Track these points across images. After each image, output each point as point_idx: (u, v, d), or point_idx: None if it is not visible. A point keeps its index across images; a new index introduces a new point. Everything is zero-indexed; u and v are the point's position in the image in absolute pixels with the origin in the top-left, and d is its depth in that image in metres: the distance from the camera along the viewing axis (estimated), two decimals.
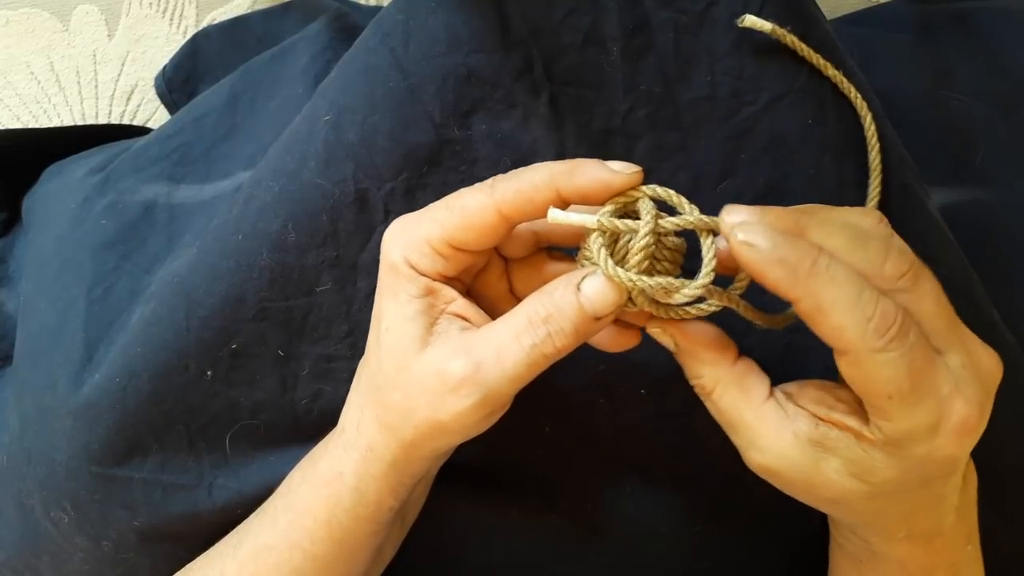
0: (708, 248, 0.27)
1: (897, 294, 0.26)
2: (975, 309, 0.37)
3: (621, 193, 0.28)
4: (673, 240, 0.29)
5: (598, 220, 0.27)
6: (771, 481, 0.29)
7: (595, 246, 0.27)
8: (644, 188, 0.28)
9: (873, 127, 0.37)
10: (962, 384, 0.26)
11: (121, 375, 0.39)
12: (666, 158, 0.38)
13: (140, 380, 0.39)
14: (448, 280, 0.31)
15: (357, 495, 0.32)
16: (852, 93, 0.37)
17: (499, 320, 0.29)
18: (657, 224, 0.27)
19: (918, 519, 0.29)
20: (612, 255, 0.27)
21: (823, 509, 0.30)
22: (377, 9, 0.45)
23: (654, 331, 0.29)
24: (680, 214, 0.28)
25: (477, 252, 0.30)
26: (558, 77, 0.38)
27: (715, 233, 0.27)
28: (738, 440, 0.29)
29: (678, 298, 0.27)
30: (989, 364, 0.27)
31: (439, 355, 0.29)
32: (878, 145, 0.37)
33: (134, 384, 0.39)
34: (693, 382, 0.30)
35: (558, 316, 0.27)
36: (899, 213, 0.38)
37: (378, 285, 0.31)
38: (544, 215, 0.28)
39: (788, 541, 0.38)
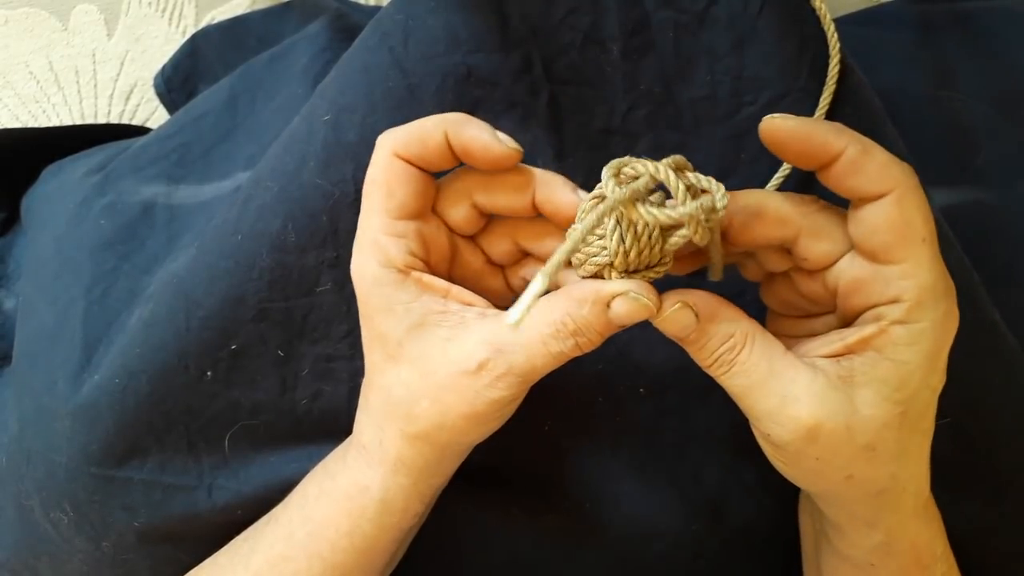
0: (677, 188, 0.28)
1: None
2: (975, 309, 0.37)
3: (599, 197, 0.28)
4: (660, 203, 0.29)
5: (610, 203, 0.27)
6: (808, 447, 0.27)
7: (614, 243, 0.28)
8: (634, 165, 0.29)
9: (838, 57, 0.37)
10: None
11: (120, 376, 0.39)
12: (666, 157, 0.38)
13: (139, 381, 0.39)
14: (429, 269, 0.30)
15: (383, 505, 0.32)
16: (830, 31, 0.37)
17: (525, 323, 0.28)
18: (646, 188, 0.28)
19: (923, 469, 0.29)
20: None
21: (856, 470, 0.28)
22: (377, 9, 0.45)
23: (673, 311, 0.28)
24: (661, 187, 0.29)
25: (421, 214, 0.30)
26: (558, 77, 0.38)
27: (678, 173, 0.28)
28: (771, 398, 0.27)
29: (682, 211, 0.27)
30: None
31: (466, 349, 0.29)
32: (839, 66, 0.37)
33: (133, 385, 0.39)
34: (721, 348, 0.28)
35: (587, 330, 0.28)
36: None
37: (365, 313, 0.30)
38: (437, 156, 0.29)
39: (787, 541, 0.38)
